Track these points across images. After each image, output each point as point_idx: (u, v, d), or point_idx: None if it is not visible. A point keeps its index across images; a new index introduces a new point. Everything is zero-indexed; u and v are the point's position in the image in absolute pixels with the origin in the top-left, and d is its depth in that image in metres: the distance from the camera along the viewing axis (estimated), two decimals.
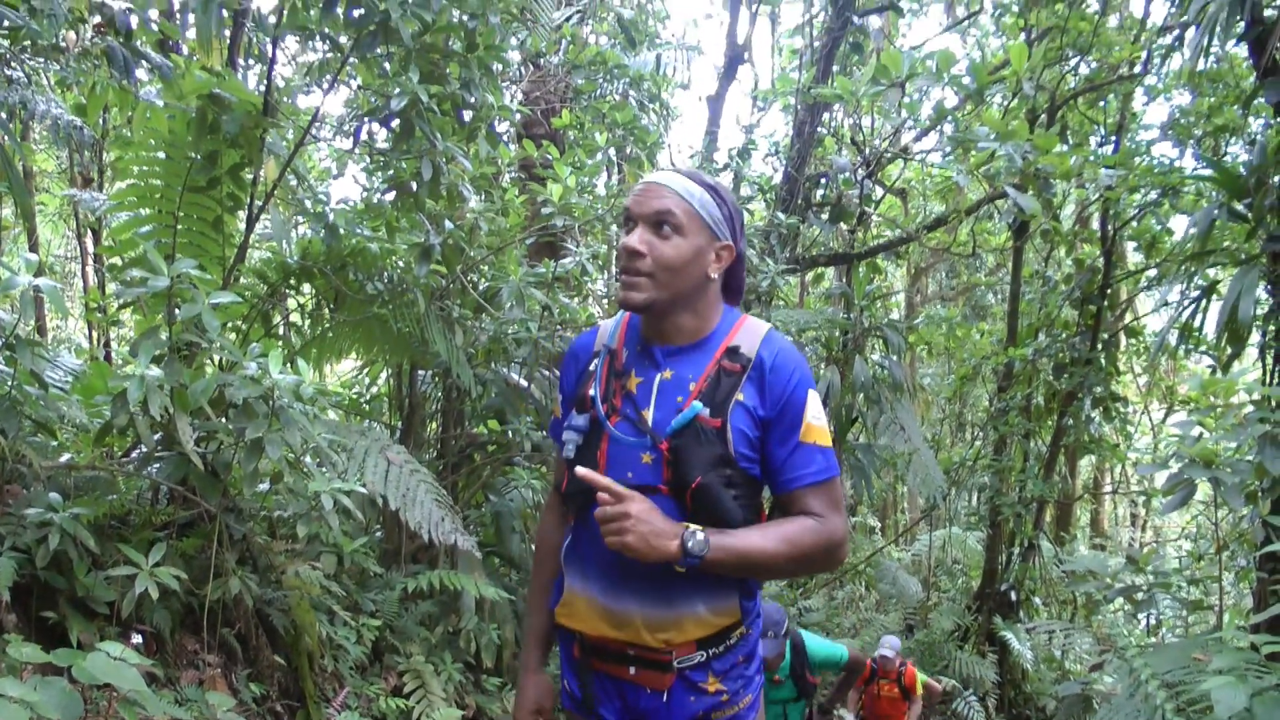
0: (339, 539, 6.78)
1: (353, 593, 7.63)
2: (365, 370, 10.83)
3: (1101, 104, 16.58)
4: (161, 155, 7.05)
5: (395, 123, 7.02)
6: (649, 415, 2.99)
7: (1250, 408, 7.70)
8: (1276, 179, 8.10)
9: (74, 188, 12.69)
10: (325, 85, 7.57)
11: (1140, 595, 8.21)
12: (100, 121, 9.85)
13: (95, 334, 13.26)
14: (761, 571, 2.99)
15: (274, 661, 6.30)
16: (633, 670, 3.09)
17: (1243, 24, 8.21)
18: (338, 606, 7.05)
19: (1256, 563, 7.85)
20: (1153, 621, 12.25)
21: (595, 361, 3.21)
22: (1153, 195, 13.59)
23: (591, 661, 3.19)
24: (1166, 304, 13.15)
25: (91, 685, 4.56)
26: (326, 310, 8.45)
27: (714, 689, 3.11)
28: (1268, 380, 8.64)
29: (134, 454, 6.52)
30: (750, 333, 3.07)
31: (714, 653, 3.09)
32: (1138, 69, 15.50)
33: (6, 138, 6.24)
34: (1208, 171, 10.51)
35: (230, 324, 7.46)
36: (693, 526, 2.81)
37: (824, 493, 2.98)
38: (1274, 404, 7.28)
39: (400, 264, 8.27)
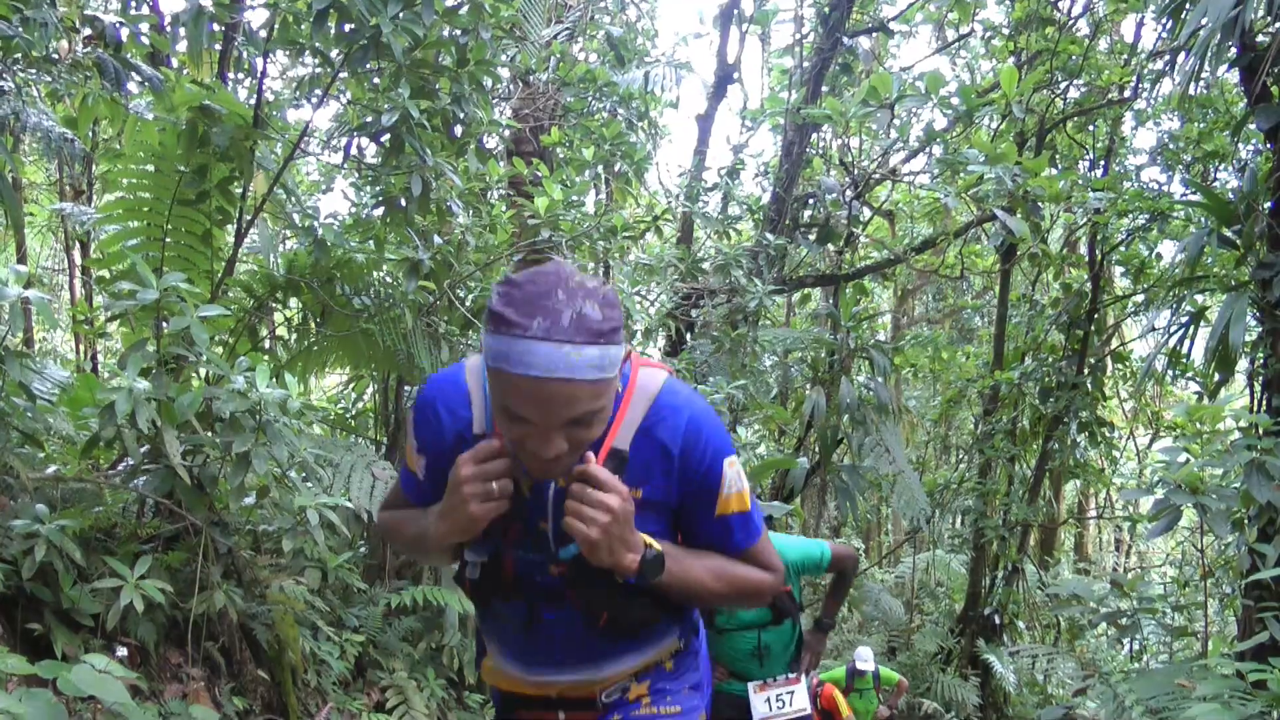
0: (324, 554, 6.76)
1: (336, 608, 7.61)
2: (351, 385, 10.81)
3: (1091, 128, 16.65)
4: (151, 168, 7.05)
5: (385, 138, 7.02)
6: (548, 529, 2.59)
7: (1237, 435, 7.71)
8: (1266, 206, 8.13)
9: (64, 200, 12.68)
10: (315, 99, 7.57)
11: (1125, 620, 8.22)
12: (90, 134, 9.83)
13: (82, 346, 13.25)
14: (694, 600, 2.82)
15: (257, 676, 6.28)
16: (562, 716, 2.89)
17: (1234, 50, 8.25)
18: (322, 622, 7.03)
19: (1242, 590, 7.85)
20: (1136, 647, 12.26)
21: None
22: (1141, 220, 13.64)
23: (517, 712, 2.97)
24: (1154, 329, 13.21)
25: (76, 697, 4.54)
26: (313, 324, 8.44)
27: (634, 697, 2.88)
28: (1255, 407, 8.66)
29: (120, 467, 6.51)
30: (644, 401, 2.59)
31: (644, 675, 2.89)
32: (1128, 93, 15.57)
33: None
34: (1197, 197, 10.57)
35: (217, 337, 7.44)
36: (654, 547, 2.51)
37: (753, 556, 2.75)
38: (1261, 431, 7.29)
39: (388, 279, 8.26)
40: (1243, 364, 9.24)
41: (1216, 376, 8.90)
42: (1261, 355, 8.49)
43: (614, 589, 2.58)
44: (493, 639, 2.90)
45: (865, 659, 11.04)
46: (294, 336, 8.69)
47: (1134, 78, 15.05)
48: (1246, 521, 7.29)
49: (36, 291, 4.96)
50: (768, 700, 6.14)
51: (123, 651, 5.32)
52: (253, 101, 6.98)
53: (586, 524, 2.37)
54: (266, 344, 8.55)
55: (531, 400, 2.23)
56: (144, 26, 6.67)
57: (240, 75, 8.74)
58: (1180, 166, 14.53)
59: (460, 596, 7.86)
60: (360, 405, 10.87)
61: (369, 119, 7.08)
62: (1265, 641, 6.50)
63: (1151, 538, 8.09)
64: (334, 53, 6.92)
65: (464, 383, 2.71)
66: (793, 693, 6.15)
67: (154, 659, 5.68)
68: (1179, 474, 7.02)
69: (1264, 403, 8.35)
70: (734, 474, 2.65)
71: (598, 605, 2.64)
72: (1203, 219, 9.61)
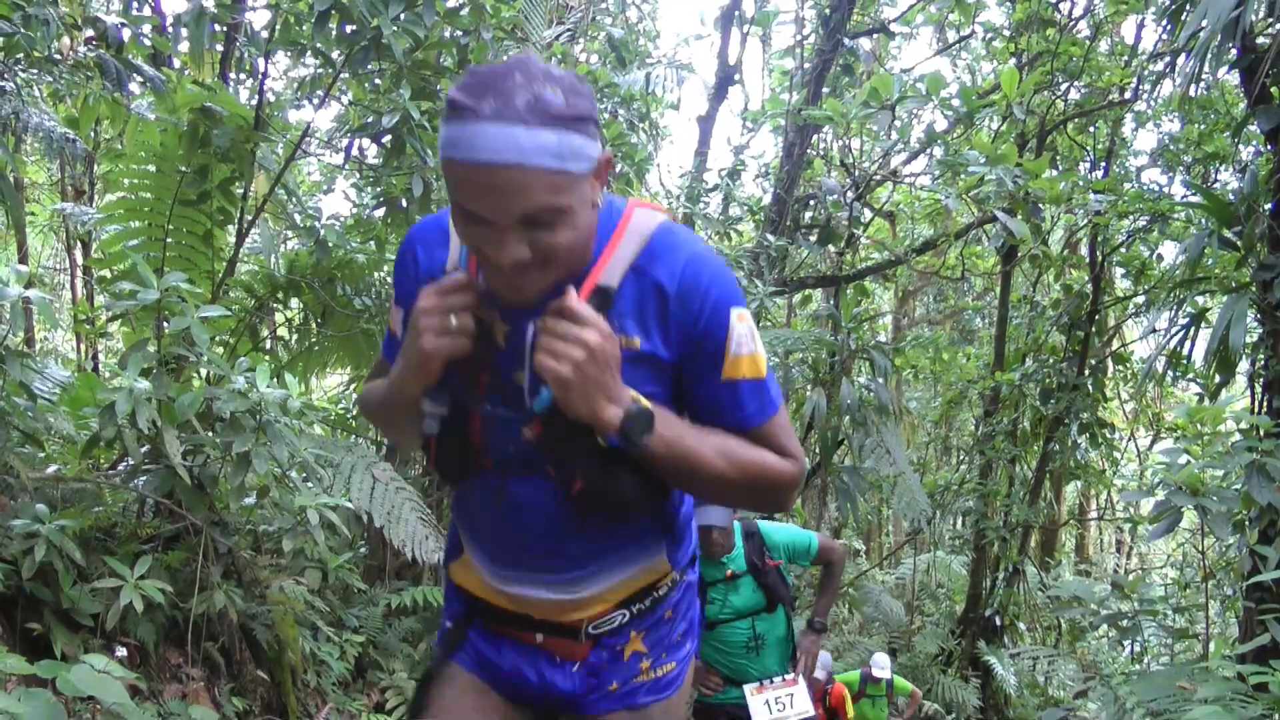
0: (324, 554, 6.76)
1: (337, 608, 7.61)
2: (352, 385, 10.81)
3: (1091, 129, 16.64)
4: (152, 169, 7.05)
5: (386, 139, 7.03)
6: (524, 380, 2.27)
7: (1238, 436, 7.71)
8: (1267, 207, 8.13)
9: (65, 200, 12.67)
10: (316, 100, 7.58)
11: (1126, 622, 8.21)
12: (92, 134, 9.84)
13: (83, 346, 13.24)
14: (697, 486, 2.38)
15: (257, 676, 6.28)
16: (540, 637, 2.57)
17: (1234, 51, 8.25)
18: (321, 622, 7.03)
19: (1243, 592, 7.85)
20: (1137, 649, 12.25)
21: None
22: (1142, 222, 13.65)
23: (486, 623, 2.65)
24: (1155, 331, 13.20)
25: (75, 697, 4.54)
26: (314, 325, 8.45)
27: (630, 652, 2.60)
28: (1256, 409, 8.66)
29: (121, 466, 6.51)
30: (638, 239, 2.27)
31: (638, 609, 2.57)
32: (1128, 95, 15.57)
33: None
34: (1197, 199, 10.56)
35: (218, 337, 7.45)
36: (642, 402, 2.15)
37: (767, 436, 2.34)
38: (1261, 433, 7.29)
39: (389, 279, 8.27)
40: (1243, 365, 9.23)
41: (1217, 378, 8.90)
42: (1262, 357, 8.49)
43: (593, 450, 2.20)
44: (464, 527, 2.59)
45: (882, 666, 11.00)
46: (295, 337, 8.70)
47: (1134, 79, 15.05)
48: (1247, 523, 7.29)
49: (38, 291, 4.96)
50: (767, 703, 5.86)
51: (122, 651, 5.32)
52: (254, 102, 6.99)
53: (559, 361, 2.06)
54: (267, 344, 8.56)
55: (479, 190, 1.97)
56: (146, 27, 6.68)
57: (242, 76, 8.74)
58: (1181, 168, 14.53)
59: None
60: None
61: (370, 120, 7.08)
62: (1266, 644, 6.50)
63: (1152, 539, 8.10)
64: (335, 54, 6.93)
65: (446, 223, 2.42)
66: (792, 695, 5.90)
67: (153, 659, 5.68)
68: (1179, 476, 7.02)
69: (1265, 404, 8.35)
70: (745, 330, 2.29)
71: (573, 468, 2.25)
72: (1203, 220, 9.60)
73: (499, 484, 2.37)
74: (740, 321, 2.27)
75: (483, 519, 2.47)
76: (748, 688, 5.89)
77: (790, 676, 5.98)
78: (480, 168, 1.93)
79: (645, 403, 2.16)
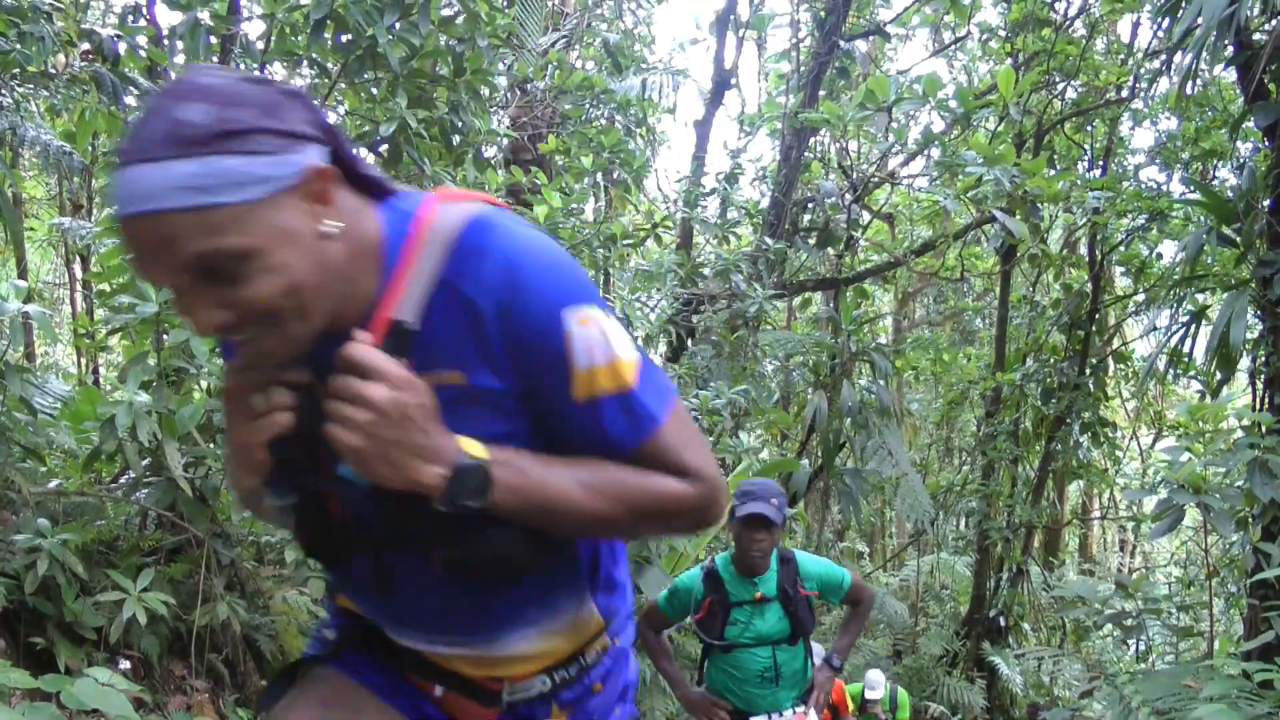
0: None
1: None
2: None
3: (1089, 128, 16.65)
4: None
5: (383, 147, 7.03)
6: None
7: (1240, 433, 7.71)
8: (1266, 203, 8.13)
9: (63, 214, 12.67)
10: None
11: (1130, 621, 8.21)
12: (90, 148, 9.83)
13: (83, 360, 13.23)
14: (578, 531, 1.98)
15: (261, 687, 6.27)
16: (439, 691, 2.17)
17: (1230, 48, 8.25)
18: None
19: (1247, 589, 7.85)
20: (1142, 648, 12.25)
21: None
22: (1140, 220, 13.64)
23: (377, 654, 2.20)
24: (1155, 329, 13.21)
25: (80, 711, 4.53)
26: None
27: None
28: (1257, 405, 8.66)
29: (122, 479, 6.50)
30: (440, 246, 1.80)
31: (561, 678, 2.14)
32: (1125, 93, 15.57)
33: None
34: (1196, 196, 10.57)
35: (218, 349, 7.44)
36: (473, 454, 1.74)
37: (652, 456, 1.87)
38: (1263, 429, 7.29)
39: None
40: (1244, 362, 9.23)
41: (1218, 375, 8.90)
42: (1263, 353, 8.49)
43: (439, 517, 1.77)
44: (355, 602, 2.19)
45: (873, 685, 10.81)
46: None
47: (1131, 77, 15.06)
48: (1250, 520, 7.29)
49: (37, 306, 4.97)
50: None
51: (126, 664, 5.31)
52: None
53: (347, 428, 1.67)
54: None
55: (130, 248, 1.59)
56: (141, 39, 6.70)
57: None
58: (1179, 165, 14.53)
59: None
60: None
61: (366, 129, 7.09)
62: (1271, 641, 6.50)
63: (1155, 537, 8.09)
64: (331, 64, 6.93)
65: None
66: None
67: (157, 671, 5.67)
68: (1181, 473, 7.02)
69: (1266, 401, 8.35)
70: (593, 334, 1.81)
71: (427, 536, 1.87)
72: (1202, 218, 9.62)
73: (373, 562, 1.97)
74: (583, 325, 1.80)
75: (367, 598, 2.12)
76: None
77: (800, 710, 5.67)
78: (123, 222, 1.56)
79: (479, 452, 1.74)
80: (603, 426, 1.83)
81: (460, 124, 7.27)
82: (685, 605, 5.69)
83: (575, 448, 1.85)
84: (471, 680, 2.12)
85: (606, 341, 1.81)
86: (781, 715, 5.58)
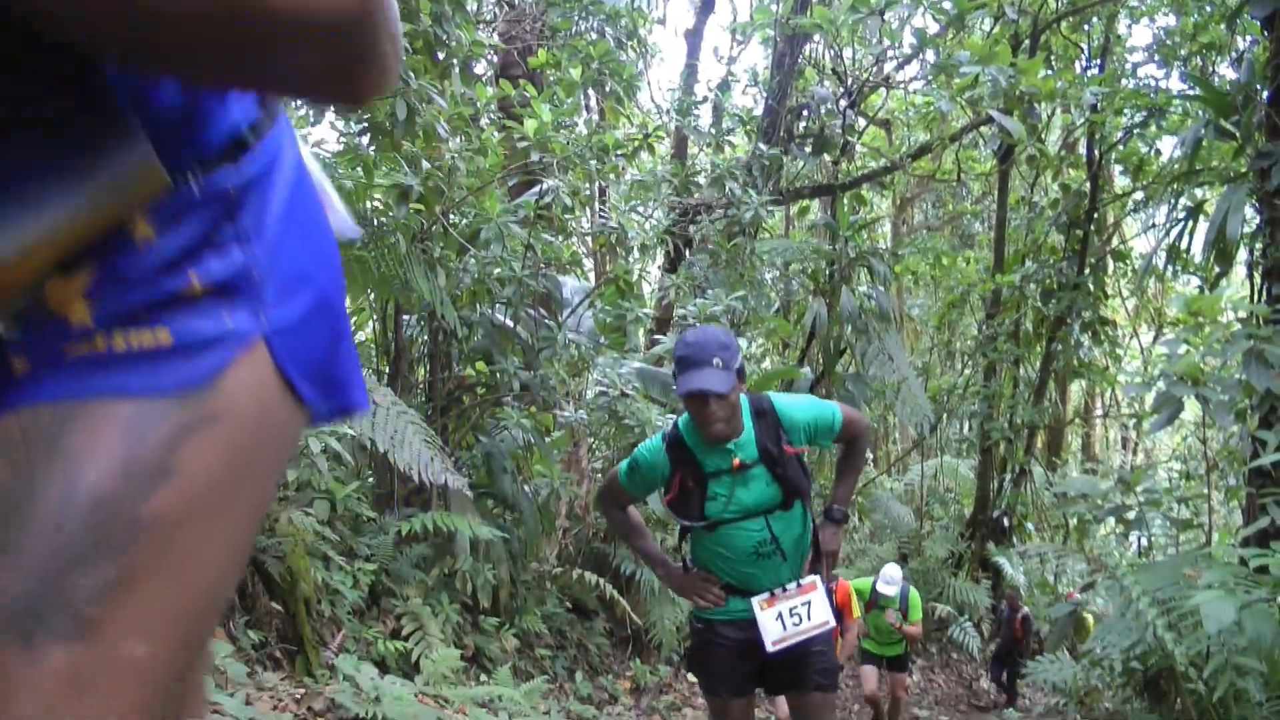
0: (330, 485, 6.77)
1: (347, 538, 7.63)
2: (351, 316, 10.79)
3: (1085, 27, 16.51)
4: None
5: None
6: None
7: (1237, 326, 7.72)
8: (1264, 95, 8.08)
9: None
10: None
11: (1131, 515, 8.25)
12: None
13: None
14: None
15: (271, 608, 6.31)
16: None
17: None
18: (333, 552, 7.05)
19: (1245, 478, 7.88)
20: (1144, 544, 12.32)
21: None
22: (1139, 117, 13.55)
23: None
24: (1153, 226, 13.18)
25: None
26: None
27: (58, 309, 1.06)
28: (1254, 298, 8.65)
29: None
30: None
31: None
32: None
33: None
34: (1194, 91, 10.49)
35: None
36: None
37: None
38: (1260, 320, 7.29)
39: (379, 205, 8.24)
40: (1243, 255, 9.22)
41: (1216, 269, 8.89)
42: (1260, 245, 8.47)
43: None
44: None
45: (889, 580, 10.45)
46: None
47: None
48: (1250, 410, 7.31)
49: None
50: (779, 616, 4.69)
51: None
52: None
53: None
54: None
55: None
56: None
57: None
58: (1177, 61, 14.42)
59: (471, 521, 7.87)
60: (360, 337, 10.85)
61: None
62: (1267, 527, 6.54)
63: (1154, 431, 8.09)
64: None
65: None
66: (809, 604, 4.74)
67: None
68: (1179, 366, 7.03)
69: (1264, 292, 8.34)
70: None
71: None
72: (1200, 112, 9.55)
73: None
74: None
75: None
76: (756, 600, 4.71)
77: (806, 582, 4.79)
78: None
79: None
80: None
81: (445, 36, 7.21)
82: (650, 482, 4.85)
83: None
84: None
85: None
86: (786, 590, 4.76)
